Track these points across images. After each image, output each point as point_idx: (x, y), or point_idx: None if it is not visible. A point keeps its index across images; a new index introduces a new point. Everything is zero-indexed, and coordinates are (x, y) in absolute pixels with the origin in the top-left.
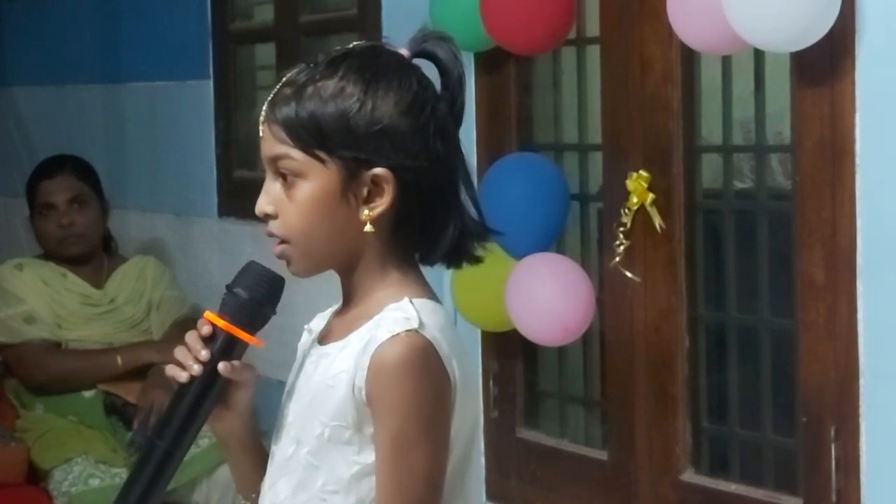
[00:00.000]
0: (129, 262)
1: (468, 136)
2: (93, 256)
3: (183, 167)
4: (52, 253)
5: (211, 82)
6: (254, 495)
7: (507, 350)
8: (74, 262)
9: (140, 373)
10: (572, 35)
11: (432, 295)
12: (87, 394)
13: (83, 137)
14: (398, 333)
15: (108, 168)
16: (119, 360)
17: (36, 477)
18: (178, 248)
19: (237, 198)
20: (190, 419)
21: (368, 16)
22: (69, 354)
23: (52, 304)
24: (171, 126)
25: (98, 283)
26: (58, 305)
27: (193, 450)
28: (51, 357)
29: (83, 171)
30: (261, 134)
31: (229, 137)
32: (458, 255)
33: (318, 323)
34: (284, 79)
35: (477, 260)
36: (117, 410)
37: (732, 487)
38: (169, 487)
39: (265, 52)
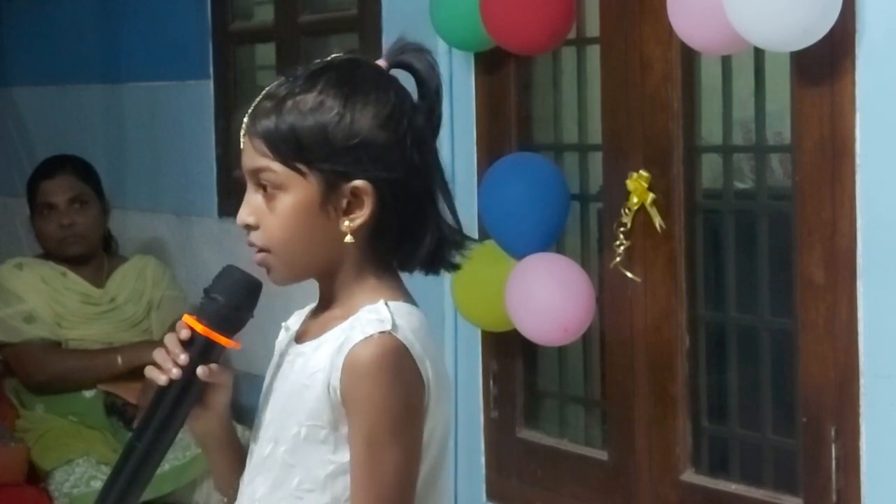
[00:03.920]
0: (129, 262)
1: (468, 136)
2: (93, 256)
3: (183, 167)
4: (53, 253)
5: (211, 82)
6: (231, 491)
7: (507, 350)
8: (75, 261)
9: (140, 373)
10: (572, 35)
11: (408, 298)
12: (88, 394)
13: (83, 137)
14: (371, 335)
15: (108, 168)
16: (119, 359)
17: (36, 477)
18: (178, 248)
19: (237, 198)
20: (168, 420)
21: (368, 16)
22: (69, 354)
23: (52, 304)
24: (171, 126)
25: (98, 282)
26: (58, 305)
27: (194, 451)
28: (51, 357)
29: (84, 171)
30: (241, 146)
31: (229, 137)
32: (436, 263)
33: (296, 321)
34: (264, 92)
35: (455, 267)
36: (118, 410)
37: (732, 487)
38: (170, 489)
39: (265, 52)
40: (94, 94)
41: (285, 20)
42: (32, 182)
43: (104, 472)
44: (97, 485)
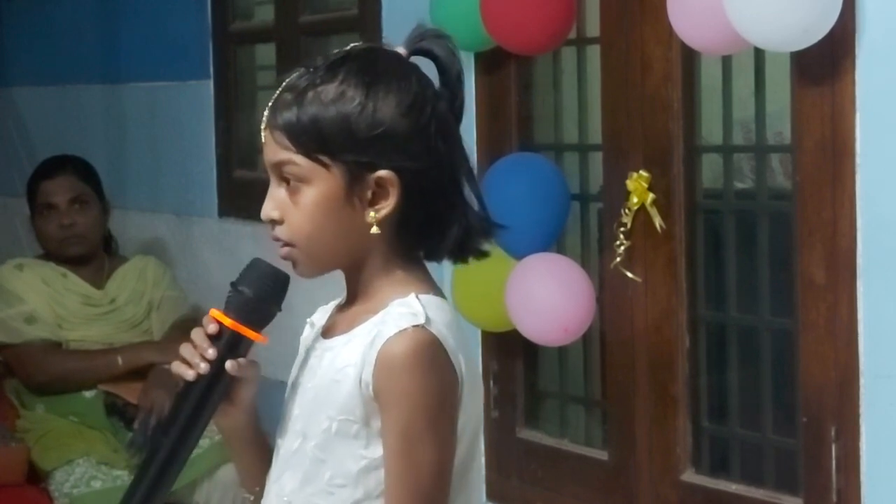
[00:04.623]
0: (129, 263)
1: (468, 136)
2: (93, 257)
3: (183, 167)
4: (53, 253)
5: (211, 82)
6: (257, 489)
7: (508, 350)
8: (75, 262)
9: (141, 373)
10: (572, 35)
11: (437, 291)
12: (88, 394)
13: (83, 137)
14: (405, 329)
15: (108, 168)
16: (120, 360)
17: (36, 477)
18: (178, 248)
19: (237, 198)
20: (196, 416)
21: (368, 16)
22: (70, 355)
23: (52, 305)
24: (171, 126)
25: (99, 283)
26: (58, 305)
27: (194, 450)
28: (51, 357)
29: (84, 171)
30: (263, 140)
31: (229, 137)
32: (464, 251)
33: (321, 316)
34: (284, 84)
35: (483, 254)
36: (118, 411)
37: (733, 487)
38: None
39: (265, 52)
40: (94, 94)
41: (285, 20)
42: (32, 182)
43: (104, 472)
44: (97, 485)
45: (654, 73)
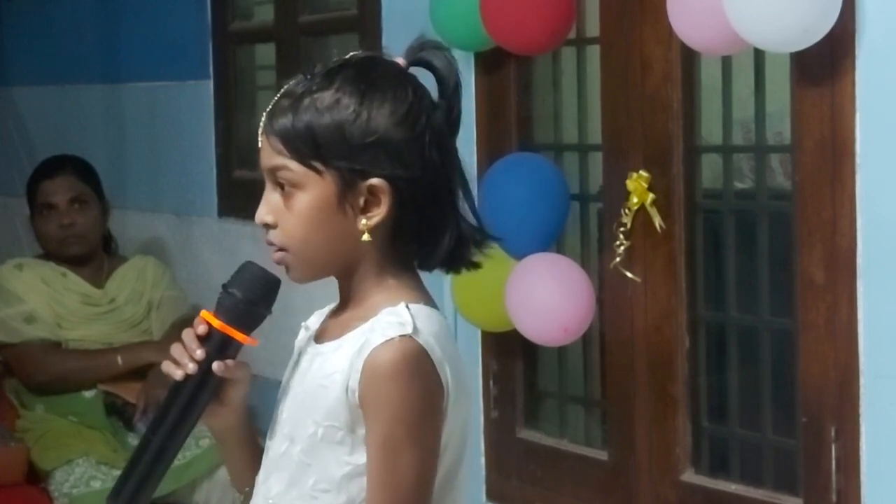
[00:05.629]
0: (129, 262)
1: (468, 136)
2: (93, 256)
3: (183, 167)
4: (53, 253)
5: (211, 82)
6: (247, 489)
7: (507, 350)
8: (75, 262)
9: (140, 373)
10: (572, 35)
11: (429, 300)
12: (88, 394)
13: (83, 137)
14: (392, 338)
15: (108, 168)
16: (119, 360)
17: (36, 477)
18: (178, 248)
19: (237, 198)
20: (184, 415)
21: (368, 16)
22: (69, 354)
23: (52, 304)
24: (171, 126)
25: (98, 283)
26: (58, 305)
27: (194, 451)
28: (51, 357)
29: (84, 171)
30: (259, 145)
31: (229, 137)
32: (456, 262)
33: (315, 321)
34: (283, 90)
35: (475, 266)
36: (117, 410)
37: (732, 488)
38: (170, 489)
39: (265, 52)
40: (94, 94)
41: (285, 20)
42: (32, 182)
43: (104, 472)
44: (97, 485)
45: (654, 73)
